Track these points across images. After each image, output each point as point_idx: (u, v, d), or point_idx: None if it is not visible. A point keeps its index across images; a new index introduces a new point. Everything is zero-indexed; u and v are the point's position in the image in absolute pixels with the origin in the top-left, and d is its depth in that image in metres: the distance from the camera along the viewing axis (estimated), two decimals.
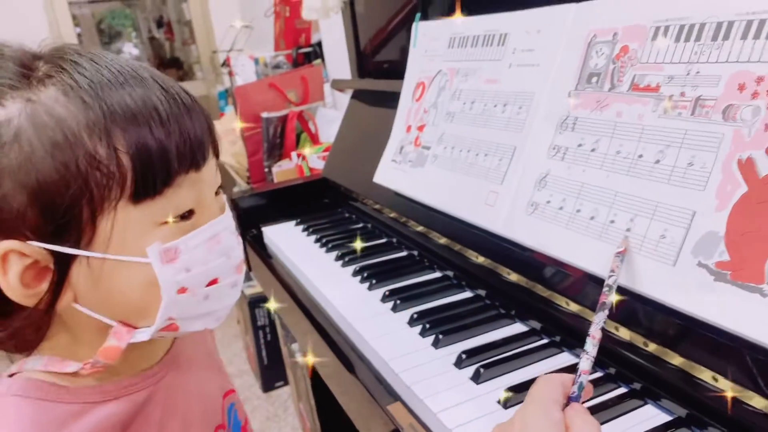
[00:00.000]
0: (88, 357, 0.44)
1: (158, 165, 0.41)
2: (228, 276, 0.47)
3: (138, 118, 0.40)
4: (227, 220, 0.47)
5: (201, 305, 0.46)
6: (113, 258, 0.41)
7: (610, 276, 0.49)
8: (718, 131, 0.46)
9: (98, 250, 0.41)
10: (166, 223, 0.42)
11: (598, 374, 0.57)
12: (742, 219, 0.43)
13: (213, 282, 0.45)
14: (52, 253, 0.40)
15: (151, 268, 0.42)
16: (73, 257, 0.41)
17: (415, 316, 0.70)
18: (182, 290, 0.44)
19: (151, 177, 0.41)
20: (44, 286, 0.41)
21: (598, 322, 0.45)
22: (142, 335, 0.44)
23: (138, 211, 0.41)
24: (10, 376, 0.45)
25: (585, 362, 0.42)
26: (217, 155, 0.46)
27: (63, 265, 0.41)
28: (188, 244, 0.43)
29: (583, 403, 0.41)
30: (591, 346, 0.43)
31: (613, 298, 0.48)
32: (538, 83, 0.66)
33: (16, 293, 0.41)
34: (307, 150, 1.61)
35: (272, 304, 0.83)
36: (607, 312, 0.46)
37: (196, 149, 0.43)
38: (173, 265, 0.43)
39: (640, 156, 0.52)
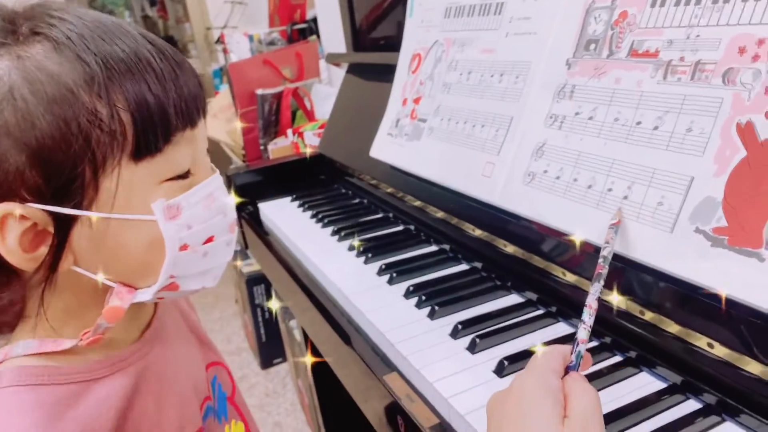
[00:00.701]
0: (78, 331, 0.44)
1: (158, 121, 0.40)
2: (223, 234, 0.47)
3: (135, 75, 0.40)
4: (219, 179, 0.47)
5: (200, 262, 0.46)
6: (118, 217, 0.41)
7: (604, 247, 0.49)
8: (717, 95, 0.45)
9: (101, 210, 0.40)
10: (165, 181, 0.42)
11: (594, 343, 0.57)
12: (741, 184, 0.42)
13: (209, 240, 0.46)
14: (51, 215, 0.39)
15: (154, 226, 0.42)
16: (74, 219, 0.40)
17: (411, 288, 0.70)
18: (184, 247, 0.44)
19: (152, 134, 0.40)
20: (43, 249, 0.40)
21: (594, 292, 0.45)
22: (144, 295, 0.44)
23: (139, 170, 0.41)
24: None
25: (582, 332, 0.42)
26: (205, 114, 0.46)
27: (64, 227, 0.40)
28: (189, 200, 0.44)
29: (583, 372, 0.41)
30: (587, 316, 0.43)
31: (607, 269, 0.48)
32: (536, 52, 0.65)
33: (15, 257, 0.40)
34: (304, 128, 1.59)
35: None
36: (602, 282, 0.46)
37: (191, 105, 0.43)
38: (176, 221, 0.43)
39: (639, 123, 0.51)
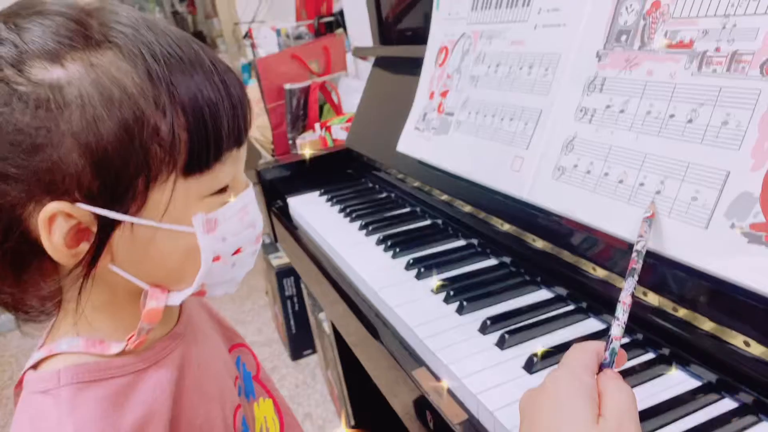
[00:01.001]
0: (111, 327, 0.46)
1: (212, 142, 0.42)
2: (250, 245, 0.49)
3: (198, 94, 0.41)
4: (252, 193, 0.49)
5: (228, 272, 0.48)
6: (162, 227, 0.43)
7: (638, 241, 0.48)
8: (755, 87, 0.44)
9: (145, 217, 0.42)
10: (207, 196, 0.44)
11: (626, 340, 0.57)
12: None
13: (238, 251, 0.48)
14: (97, 216, 0.41)
15: (191, 237, 0.44)
16: (118, 222, 0.42)
17: (440, 283, 0.70)
18: (216, 258, 0.46)
19: (205, 153, 0.42)
20: (84, 246, 0.42)
21: (627, 288, 0.44)
22: (176, 298, 0.46)
23: (186, 184, 0.43)
24: (35, 366, 0.45)
25: (616, 328, 0.42)
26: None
27: (107, 228, 0.42)
28: (225, 215, 0.45)
29: (617, 369, 0.41)
30: (621, 313, 0.42)
31: (641, 263, 0.47)
32: (565, 44, 0.64)
33: (58, 253, 0.41)
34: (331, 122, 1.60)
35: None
36: (636, 278, 0.45)
37: (242, 128, 0.45)
38: (213, 234, 0.45)
39: (672, 116, 0.50)
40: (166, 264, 0.45)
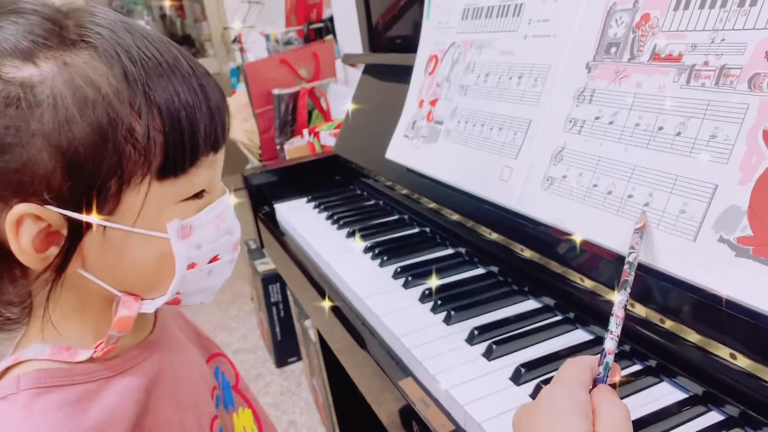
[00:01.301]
0: (79, 333, 0.45)
1: (187, 145, 0.41)
2: (227, 253, 0.48)
3: (174, 97, 0.40)
4: (229, 199, 0.48)
5: (204, 280, 0.47)
6: (135, 231, 0.41)
7: (630, 253, 0.48)
8: (743, 101, 0.44)
9: (118, 221, 0.41)
10: (182, 200, 0.43)
11: None
12: (767, 193, 0.41)
13: (215, 259, 0.47)
14: (67, 219, 0.40)
15: (165, 243, 0.43)
16: (89, 226, 0.40)
17: (427, 292, 0.70)
18: (192, 266, 0.45)
19: (180, 157, 0.41)
20: (53, 250, 0.41)
21: (620, 301, 0.44)
22: (150, 306, 0.45)
23: (160, 188, 0.41)
24: (1, 375, 0.43)
25: (609, 342, 0.41)
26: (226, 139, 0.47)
27: (77, 232, 0.40)
28: (201, 221, 0.44)
29: (612, 385, 0.40)
30: (615, 326, 0.42)
31: (633, 275, 0.47)
32: (555, 54, 0.64)
33: (26, 257, 0.40)
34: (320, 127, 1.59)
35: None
36: (628, 290, 0.45)
37: (219, 133, 0.44)
38: (187, 241, 0.44)
39: (660, 128, 0.50)
40: (139, 270, 0.44)
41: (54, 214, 0.39)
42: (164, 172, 0.41)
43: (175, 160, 0.41)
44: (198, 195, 0.44)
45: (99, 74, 0.39)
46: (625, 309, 0.43)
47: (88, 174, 0.39)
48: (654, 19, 0.53)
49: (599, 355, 0.41)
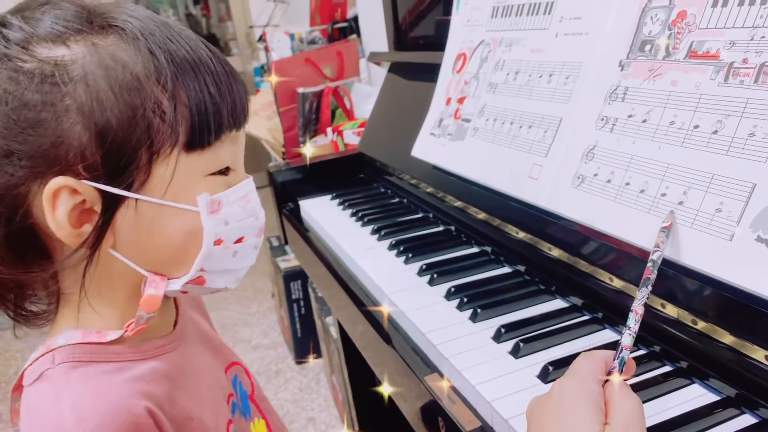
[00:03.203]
0: (109, 315, 0.46)
1: (212, 119, 0.44)
2: (252, 236, 0.49)
3: (197, 75, 0.43)
4: (252, 183, 0.50)
5: (229, 260, 0.48)
6: (166, 204, 0.43)
7: (654, 251, 0.48)
8: None
9: (149, 194, 0.43)
10: (209, 175, 0.45)
11: (642, 351, 0.56)
12: None
13: (240, 240, 0.48)
14: (101, 193, 0.41)
15: (195, 217, 0.45)
16: (122, 200, 0.42)
17: (452, 290, 0.70)
18: (218, 242, 0.46)
19: (206, 129, 0.43)
20: (87, 227, 0.42)
21: (641, 297, 0.44)
22: (175, 285, 0.46)
23: (188, 160, 0.43)
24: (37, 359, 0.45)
25: (627, 338, 0.42)
26: (247, 119, 0.49)
27: (111, 206, 0.42)
28: (229, 198, 0.46)
29: (626, 380, 0.40)
30: (633, 322, 0.42)
31: (656, 274, 0.47)
32: (587, 52, 0.64)
33: (63, 231, 0.41)
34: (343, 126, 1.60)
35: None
36: (650, 288, 0.45)
37: (240, 109, 0.46)
38: (216, 216, 0.46)
39: (696, 126, 0.50)
40: (169, 245, 0.45)
41: (88, 188, 0.41)
42: (191, 145, 0.43)
43: (201, 132, 0.43)
44: (224, 172, 0.46)
45: (126, 54, 0.41)
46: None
47: (120, 146, 0.41)
48: (691, 16, 0.52)
49: (615, 351, 0.41)
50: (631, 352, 0.40)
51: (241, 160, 0.49)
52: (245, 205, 0.48)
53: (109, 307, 0.46)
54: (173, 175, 0.43)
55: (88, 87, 0.40)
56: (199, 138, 0.43)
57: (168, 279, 0.46)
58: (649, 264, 0.47)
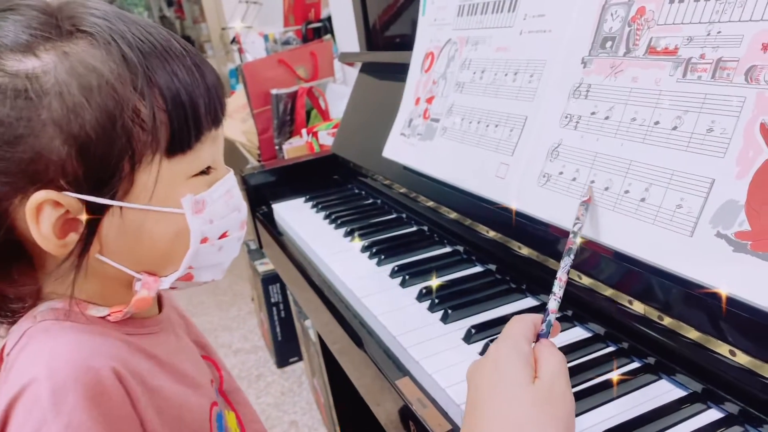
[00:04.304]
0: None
1: (191, 121, 0.43)
2: (236, 230, 0.50)
3: (173, 77, 0.42)
4: (233, 178, 0.50)
5: (215, 256, 0.49)
6: (151, 209, 0.43)
7: (575, 224, 0.52)
8: (740, 94, 0.44)
9: (133, 201, 0.43)
10: (191, 177, 0.45)
11: (611, 348, 0.56)
12: (765, 187, 0.41)
13: (224, 235, 0.49)
14: (85, 203, 0.41)
15: (179, 219, 0.45)
16: (106, 208, 0.42)
17: (424, 291, 0.69)
18: (204, 240, 0.47)
19: (186, 133, 0.43)
20: (73, 236, 0.42)
21: (564, 266, 0.48)
22: (165, 283, 0.47)
23: (170, 165, 0.43)
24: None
25: (552, 302, 0.46)
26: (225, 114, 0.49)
27: (96, 216, 0.42)
28: (212, 196, 0.47)
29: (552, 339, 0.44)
30: (558, 288, 0.47)
31: (578, 243, 0.51)
32: (550, 50, 0.64)
33: (49, 243, 0.41)
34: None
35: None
36: (572, 257, 0.49)
37: (218, 107, 0.46)
38: (200, 215, 0.46)
39: (657, 123, 0.50)
40: (157, 248, 0.45)
41: (72, 199, 0.40)
42: (172, 149, 0.43)
43: (181, 136, 0.43)
44: (205, 172, 0.46)
45: (99, 61, 0.40)
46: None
47: (101, 156, 0.40)
48: (649, 12, 0.52)
49: (542, 314, 0.45)
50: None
51: (221, 157, 0.49)
52: (228, 201, 0.48)
53: (105, 304, 0.46)
54: (156, 181, 0.42)
55: (63, 99, 0.39)
56: (179, 142, 0.43)
57: (160, 278, 0.47)
58: (571, 235, 0.51)
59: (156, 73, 0.41)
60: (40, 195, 0.39)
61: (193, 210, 0.45)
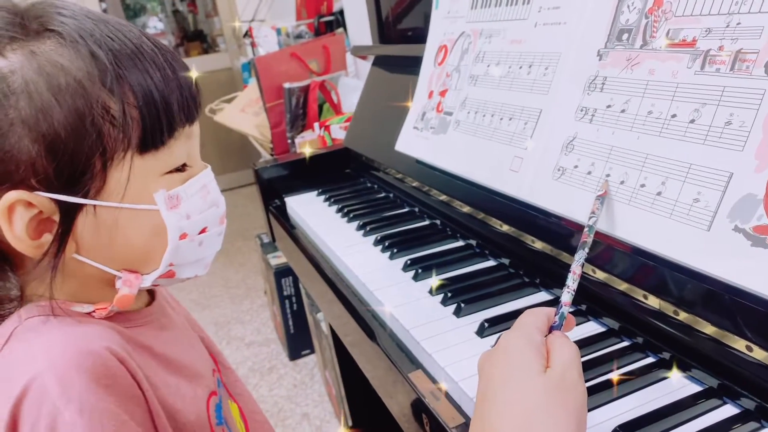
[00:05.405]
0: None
1: (163, 118, 0.43)
2: (215, 225, 0.50)
3: (143, 72, 0.42)
4: (211, 174, 0.50)
5: (196, 251, 0.48)
6: (124, 207, 0.43)
7: (590, 218, 0.51)
8: (759, 87, 0.43)
9: (106, 199, 0.42)
10: (165, 174, 0.45)
11: (626, 343, 0.56)
12: None
13: (203, 230, 0.48)
14: (58, 203, 0.41)
15: (155, 216, 0.45)
16: (80, 207, 0.42)
17: (437, 284, 0.69)
18: (183, 236, 0.46)
19: (158, 129, 0.43)
20: (48, 237, 0.42)
21: (578, 259, 0.48)
22: (146, 281, 0.47)
23: (143, 162, 0.43)
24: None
25: (566, 295, 0.45)
26: (199, 112, 0.49)
27: (69, 215, 0.41)
28: (187, 191, 0.46)
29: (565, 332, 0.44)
30: (571, 281, 0.46)
31: (592, 238, 0.50)
32: (565, 42, 0.63)
33: (23, 244, 0.41)
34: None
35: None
36: (587, 250, 0.49)
37: (191, 104, 0.45)
38: (176, 211, 0.45)
39: (674, 116, 0.49)
40: (133, 246, 0.45)
41: (44, 199, 0.40)
42: (144, 146, 0.43)
43: (153, 133, 0.43)
44: (180, 169, 0.46)
45: (67, 59, 0.40)
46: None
47: (71, 155, 0.40)
48: (667, 3, 0.52)
49: (556, 307, 0.45)
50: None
51: (197, 154, 0.49)
52: (205, 197, 0.48)
53: (86, 303, 0.46)
54: (129, 178, 0.42)
55: (31, 98, 0.39)
56: (151, 139, 0.43)
57: (141, 275, 0.46)
58: (586, 228, 0.51)
59: (126, 70, 0.41)
60: (11, 195, 0.39)
61: (167, 206, 0.45)
